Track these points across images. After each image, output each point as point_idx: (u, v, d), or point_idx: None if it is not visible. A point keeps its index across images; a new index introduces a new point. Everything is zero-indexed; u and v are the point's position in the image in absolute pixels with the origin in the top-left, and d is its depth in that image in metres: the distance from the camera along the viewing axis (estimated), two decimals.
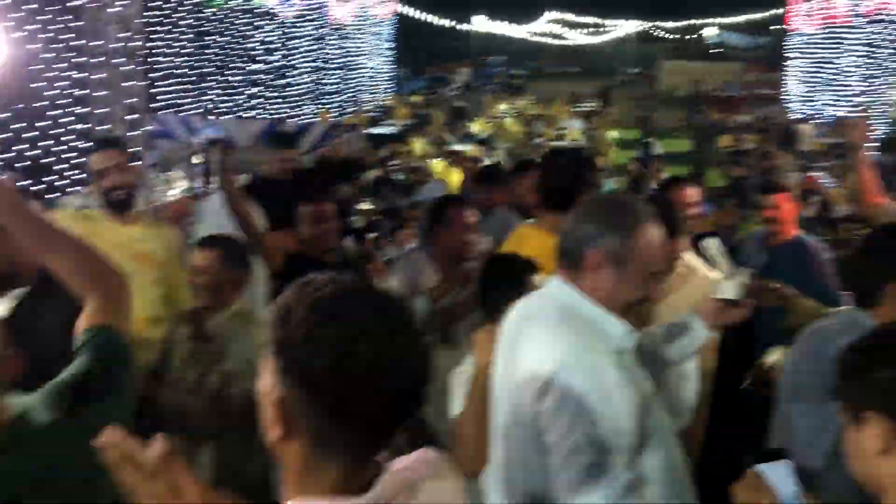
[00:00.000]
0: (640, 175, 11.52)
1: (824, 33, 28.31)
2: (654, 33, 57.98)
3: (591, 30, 52.12)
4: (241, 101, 19.84)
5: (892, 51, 22.56)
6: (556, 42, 51.99)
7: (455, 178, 12.13)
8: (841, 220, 11.21)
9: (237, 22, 19.75)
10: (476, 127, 22.41)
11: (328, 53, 25.42)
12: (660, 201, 3.30)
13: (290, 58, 22.35)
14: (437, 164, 14.21)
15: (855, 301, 2.22)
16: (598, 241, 1.88)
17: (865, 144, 3.87)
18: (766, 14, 43.82)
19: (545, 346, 1.87)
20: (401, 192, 11.07)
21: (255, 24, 20.60)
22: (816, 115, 27.63)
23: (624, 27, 51.56)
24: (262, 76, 20.98)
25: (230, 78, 19.48)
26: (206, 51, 18.36)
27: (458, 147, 18.33)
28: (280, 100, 21.86)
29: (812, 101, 29.52)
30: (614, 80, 46.06)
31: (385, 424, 1.09)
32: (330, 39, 25.63)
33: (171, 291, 3.63)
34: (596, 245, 1.87)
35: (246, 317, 3.10)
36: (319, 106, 24.24)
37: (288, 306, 1.09)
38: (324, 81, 25.07)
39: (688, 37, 61.78)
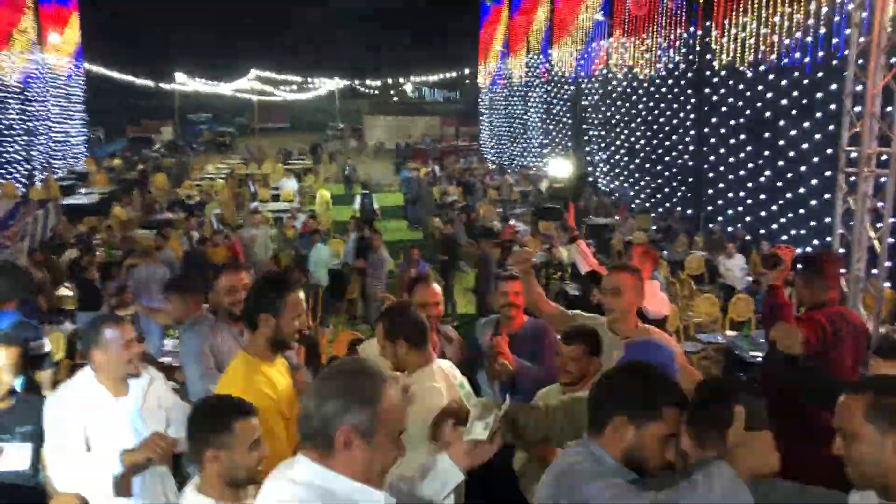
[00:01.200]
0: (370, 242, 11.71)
1: (510, 91, 31.38)
2: (359, 89, 60.20)
3: (296, 87, 52.78)
4: None
5: (563, 106, 25.52)
6: (263, 98, 51.90)
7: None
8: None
9: None
10: (183, 191, 21.54)
11: (9, 118, 23.03)
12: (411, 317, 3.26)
13: None
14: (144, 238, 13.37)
15: (588, 427, 2.32)
16: (343, 417, 1.83)
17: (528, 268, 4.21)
18: (460, 73, 47.42)
19: None
20: (103, 273, 10.20)
21: None
22: (509, 165, 30.43)
23: (328, 84, 52.91)
24: None
25: None
26: None
27: (166, 215, 17.53)
28: None
29: (503, 152, 32.48)
30: (322, 136, 46.93)
31: None
32: (10, 102, 23.27)
33: None
34: (342, 422, 1.83)
35: None
36: (1, 178, 21.83)
37: None
38: (5, 150, 22.63)
39: (390, 92, 65.01)
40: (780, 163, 13.81)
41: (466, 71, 45.80)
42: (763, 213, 14.31)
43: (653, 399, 2.18)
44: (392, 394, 1.90)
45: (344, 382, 1.87)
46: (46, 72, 26.59)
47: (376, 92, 63.42)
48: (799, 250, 10.28)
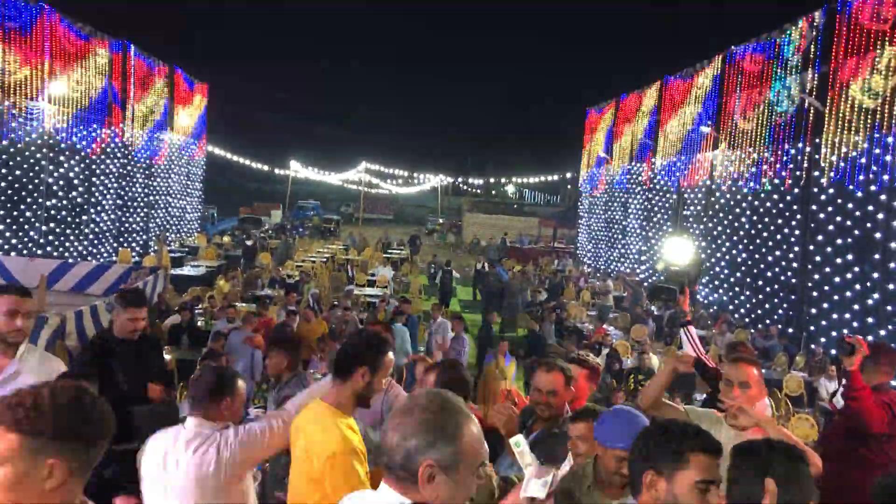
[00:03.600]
0: None
1: (610, 197, 31.45)
2: (461, 187, 61.62)
3: (402, 180, 54.43)
4: (35, 238, 18.67)
5: (664, 215, 25.32)
6: (370, 190, 53.69)
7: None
8: (628, 371, 12.15)
9: (38, 155, 18.84)
10: (285, 270, 22.29)
11: (134, 191, 24.68)
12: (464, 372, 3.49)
13: (91, 194, 21.46)
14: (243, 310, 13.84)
15: (630, 488, 2.28)
16: (427, 452, 1.82)
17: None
18: (561, 176, 47.92)
19: None
20: (200, 342, 10.61)
21: (56, 158, 19.72)
22: (605, 269, 30.19)
23: (433, 180, 54.38)
24: (62, 213, 19.93)
25: (26, 213, 18.40)
26: None
27: (266, 291, 18.14)
28: (79, 237, 20.75)
29: (600, 256, 32.31)
30: (423, 229, 48.05)
31: None
32: (137, 177, 24.97)
33: None
34: (426, 456, 1.82)
35: None
36: (120, 245, 23.23)
37: None
38: (127, 220, 24.17)
39: (492, 192, 66.24)
40: (891, 286, 13.21)
41: (567, 175, 46.29)
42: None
43: (677, 448, 2.15)
44: (472, 429, 1.89)
45: (426, 417, 1.86)
46: (171, 150, 28.52)
47: (478, 191, 64.78)
48: None
